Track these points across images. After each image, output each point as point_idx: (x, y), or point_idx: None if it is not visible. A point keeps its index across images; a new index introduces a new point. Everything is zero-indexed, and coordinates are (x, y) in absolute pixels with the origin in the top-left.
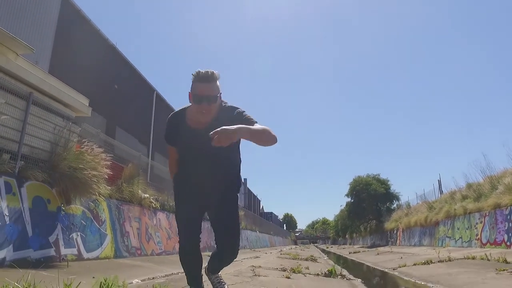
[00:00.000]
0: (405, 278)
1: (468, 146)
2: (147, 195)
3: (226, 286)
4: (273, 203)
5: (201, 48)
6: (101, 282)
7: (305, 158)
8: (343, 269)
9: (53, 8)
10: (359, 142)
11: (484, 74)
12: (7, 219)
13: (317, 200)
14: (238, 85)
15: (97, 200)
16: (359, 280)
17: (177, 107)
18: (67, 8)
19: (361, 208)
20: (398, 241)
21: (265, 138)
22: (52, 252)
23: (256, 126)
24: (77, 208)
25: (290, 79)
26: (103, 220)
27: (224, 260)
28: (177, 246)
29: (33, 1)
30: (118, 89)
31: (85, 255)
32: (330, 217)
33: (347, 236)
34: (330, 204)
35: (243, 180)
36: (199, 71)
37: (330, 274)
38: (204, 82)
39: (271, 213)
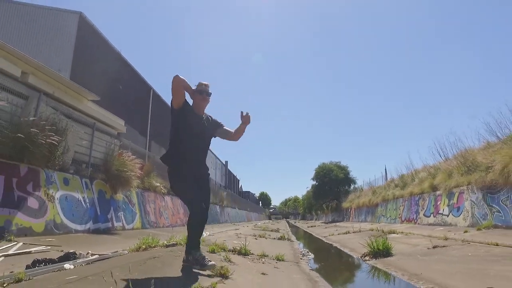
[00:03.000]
0: (325, 241)
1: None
2: (158, 184)
3: (211, 262)
4: (250, 183)
5: (190, 51)
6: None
7: (282, 142)
8: (292, 236)
9: (72, 23)
10: (328, 129)
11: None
12: (88, 205)
13: (290, 180)
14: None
15: (131, 190)
16: (298, 242)
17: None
18: (83, 24)
19: (324, 190)
20: (351, 218)
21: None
22: (110, 224)
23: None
24: (120, 196)
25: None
26: (134, 203)
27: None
28: (178, 220)
29: (54, 21)
30: (122, 89)
31: (126, 226)
32: (301, 196)
33: (313, 213)
34: (301, 183)
35: (224, 162)
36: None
37: (281, 238)
38: (206, 85)
39: (248, 192)
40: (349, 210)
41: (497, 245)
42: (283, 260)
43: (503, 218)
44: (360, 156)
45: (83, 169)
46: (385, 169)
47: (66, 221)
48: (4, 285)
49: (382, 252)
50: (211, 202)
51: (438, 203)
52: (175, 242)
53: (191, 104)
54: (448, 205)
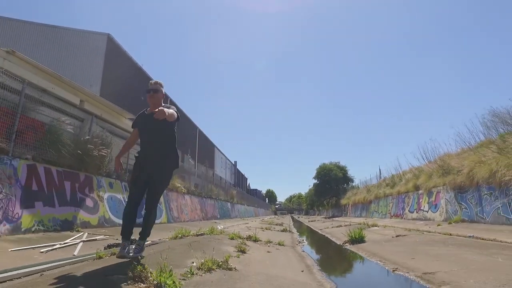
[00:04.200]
0: (320, 232)
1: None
2: (179, 185)
3: (142, 253)
4: (257, 181)
5: (203, 59)
6: (211, 227)
7: (287, 143)
8: (294, 229)
9: (101, 43)
10: (330, 131)
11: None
12: None
13: (294, 178)
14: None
15: None
16: (298, 233)
17: (187, 107)
18: (110, 43)
19: (324, 188)
20: (348, 213)
21: (172, 118)
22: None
23: (170, 111)
24: None
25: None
26: (161, 201)
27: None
28: (196, 216)
29: (86, 41)
30: (143, 100)
31: (156, 221)
32: (304, 193)
33: (315, 208)
34: (305, 181)
35: (233, 163)
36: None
37: (284, 230)
38: (153, 83)
39: (256, 189)
40: (347, 206)
41: (450, 235)
42: (283, 245)
43: (469, 214)
44: (358, 156)
45: (122, 175)
46: (379, 169)
47: (112, 217)
48: (109, 255)
49: (357, 239)
50: (223, 199)
51: (420, 200)
52: (203, 232)
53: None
54: (428, 203)
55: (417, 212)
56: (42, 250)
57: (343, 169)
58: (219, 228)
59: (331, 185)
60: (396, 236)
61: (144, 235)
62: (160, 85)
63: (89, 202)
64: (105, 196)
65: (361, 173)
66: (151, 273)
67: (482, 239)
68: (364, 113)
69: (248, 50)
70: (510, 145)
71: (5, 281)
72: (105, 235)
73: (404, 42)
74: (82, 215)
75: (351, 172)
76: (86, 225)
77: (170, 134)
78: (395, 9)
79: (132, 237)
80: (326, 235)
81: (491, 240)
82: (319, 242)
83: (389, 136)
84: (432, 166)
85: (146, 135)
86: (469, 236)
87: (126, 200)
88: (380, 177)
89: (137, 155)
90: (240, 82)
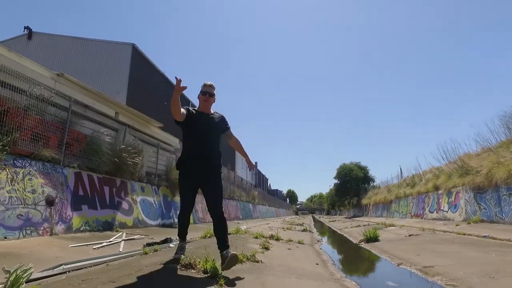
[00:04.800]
0: (338, 232)
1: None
2: None
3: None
4: (278, 180)
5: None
6: (236, 228)
7: (308, 143)
8: (314, 229)
9: (126, 53)
10: (351, 131)
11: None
12: (157, 206)
13: (315, 177)
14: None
15: None
16: (317, 233)
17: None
18: (135, 52)
19: (345, 188)
20: (369, 213)
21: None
22: (171, 220)
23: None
24: (177, 198)
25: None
26: None
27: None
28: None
29: (112, 51)
30: (167, 105)
31: None
32: (325, 193)
33: (336, 208)
34: (326, 181)
35: (253, 163)
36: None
37: (304, 230)
38: (208, 85)
39: (277, 190)
40: (368, 206)
41: (464, 234)
42: (303, 244)
43: (488, 214)
44: (380, 157)
45: (152, 179)
46: (400, 168)
47: (145, 218)
48: (151, 252)
49: (372, 238)
50: (245, 200)
51: (440, 200)
52: (229, 232)
53: (196, 106)
54: (447, 203)
55: (437, 212)
56: (94, 247)
57: (363, 169)
58: (243, 228)
59: (352, 185)
60: (409, 235)
61: (225, 243)
62: (214, 88)
63: (125, 205)
64: (138, 199)
65: (382, 173)
66: (199, 262)
67: (494, 238)
68: (383, 114)
69: (249, 51)
70: None
71: (81, 268)
72: (140, 235)
73: (406, 41)
74: (120, 217)
75: (372, 172)
76: (123, 225)
77: (219, 139)
78: (396, 7)
79: (167, 236)
80: (344, 235)
81: (505, 240)
82: (337, 241)
83: (409, 136)
84: (452, 166)
85: (197, 133)
86: (484, 236)
87: (180, 209)
88: (402, 176)
89: (182, 160)
90: (250, 80)
